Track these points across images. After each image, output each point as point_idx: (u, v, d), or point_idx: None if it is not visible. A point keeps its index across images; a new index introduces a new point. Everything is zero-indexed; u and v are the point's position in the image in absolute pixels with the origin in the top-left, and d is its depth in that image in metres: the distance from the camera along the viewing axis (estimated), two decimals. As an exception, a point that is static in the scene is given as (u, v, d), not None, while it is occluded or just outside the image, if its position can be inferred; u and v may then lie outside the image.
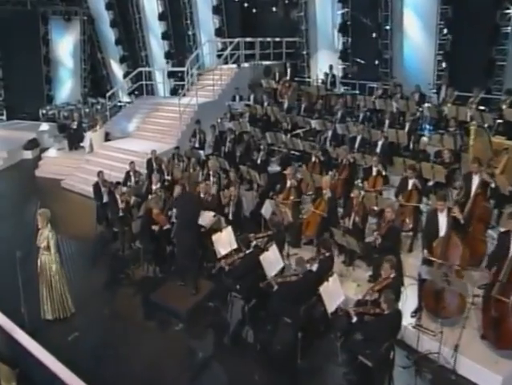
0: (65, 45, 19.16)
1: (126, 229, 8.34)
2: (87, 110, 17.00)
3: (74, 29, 19.18)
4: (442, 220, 6.16)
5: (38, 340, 5.41)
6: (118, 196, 8.46)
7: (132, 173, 9.74)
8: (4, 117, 17.58)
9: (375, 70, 14.16)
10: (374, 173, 8.41)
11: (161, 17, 18.89)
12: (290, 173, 8.52)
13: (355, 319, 5.21)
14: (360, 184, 8.20)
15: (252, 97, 13.88)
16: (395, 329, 5.12)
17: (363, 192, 7.50)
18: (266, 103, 12.90)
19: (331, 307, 5.61)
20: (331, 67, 14.06)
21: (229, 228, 7.07)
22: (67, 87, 19.54)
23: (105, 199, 9.14)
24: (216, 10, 17.82)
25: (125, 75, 19.28)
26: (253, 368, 5.63)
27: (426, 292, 5.94)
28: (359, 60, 13.94)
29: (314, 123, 11.20)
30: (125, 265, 7.95)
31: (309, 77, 16.14)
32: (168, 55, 19.36)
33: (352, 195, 7.39)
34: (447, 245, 5.85)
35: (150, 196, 8.50)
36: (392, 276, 5.64)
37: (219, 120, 12.55)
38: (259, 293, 6.44)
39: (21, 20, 17.27)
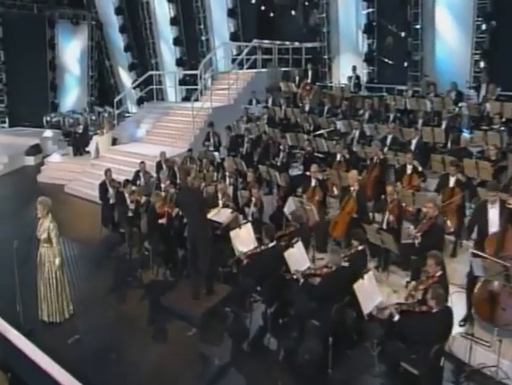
0: (72, 50, 19.57)
1: (134, 231, 8.19)
2: (93, 117, 17.17)
3: (81, 34, 19.62)
4: (493, 214, 5.83)
5: (34, 342, 5.21)
6: (127, 195, 8.32)
7: (141, 173, 9.63)
8: (6, 125, 17.84)
9: (403, 73, 14.06)
10: (409, 171, 8.15)
11: (173, 21, 19.22)
12: (314, 171, 8.31)
13: (397, 317, 4.85)
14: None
15: (270, 100, 13.87)
16: (446, 329, 4.73)
17: (398, 187, 7.22)
18: (284, 106, 12.86)
19: (366, 307, 5.29)
20: (354, 68, 14.01)
21: (249, 225, 6.84)
22: (72, 95, 19.86)
23: (112, 200, 9.01)
24: (231, 14, 18.08)
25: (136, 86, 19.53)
26: (277, 379, 5.28)
27: (478, 295, 5.49)
28: (386, 60, 13.88)
29: (340, 124, 11.07)
30: (133, 269, 7.77)
31: (331, 83, 16.11)
32: (179, 62, 19.62)
33: (387, 191, 7.10)
34: (503, 239, 5.49)
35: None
36: (437, 274, 5.28)
37: (235, 123, 12.53)
38: (282, 295, 6.17)
39: (26, 23, 17.69)
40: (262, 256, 6.10)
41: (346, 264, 5.74)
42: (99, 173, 11.23)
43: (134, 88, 18.76)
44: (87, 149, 13.72)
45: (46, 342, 5.55)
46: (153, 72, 16.86)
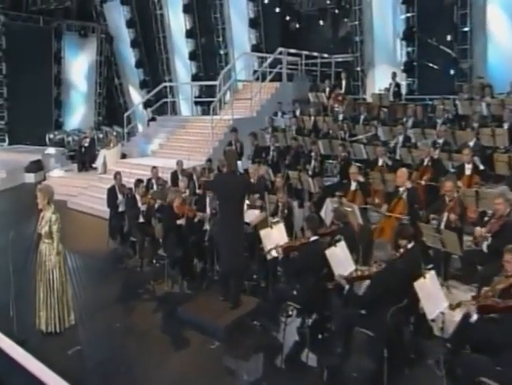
0: (79, 65, 20.10)
1: (146, 239, 7.95)
2: (100, 135, 17.34)
3: (90, 47, 20.18)
4: None
5: (28, 351, 4.90)
6: (138, 198, 8.15)
7: (154, 180, 9.49)
8: (5, 144, 18.12)
9: (449, 82, 13.88)
10: (468, 171, 7.82)
11: (189, 34, 19.67)
12: (354, 172, 8.05)
13: (475, 317, 4.40)
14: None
15: (298, 111, 13.85)
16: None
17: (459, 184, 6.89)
18: (314, 116, 12.80)
19: (431, 312, 4.86)
20: (394, 75, 13.93)
21: (281, 226, 6.54)
22: (78, 113, 20.22)
23: (121, 207, 8.84)
24: (253, 24, 18.43)
25: (145, 104, 19.78)
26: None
27: None
28: (431, 65, 13.74)
29: (380, 131, 10.89)
30: (144, 281, 7.52)
31: (364, 99, 16.03)
32: (195, 78, 19.89)
33: (445, 188, 6.75)
34: None
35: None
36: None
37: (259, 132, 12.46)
38: (323, 302, 5.78)
39: (31, 34, 18.26)
40: (301, 251, 5.74)
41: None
42: (107, 187, 11.27)
43: (145, 107, 19.03)
44: (93, 165, 13.75)
45: (41, 352, 5.23)
46: (167, 84, 17.11)
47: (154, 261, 7.94)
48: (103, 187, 11.63)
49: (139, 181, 8.42)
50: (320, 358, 5.49)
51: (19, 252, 6.86)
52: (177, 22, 19.98)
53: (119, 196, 8.93)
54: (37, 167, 14.66)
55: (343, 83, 14.98)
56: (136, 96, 21.66)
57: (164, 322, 6.41)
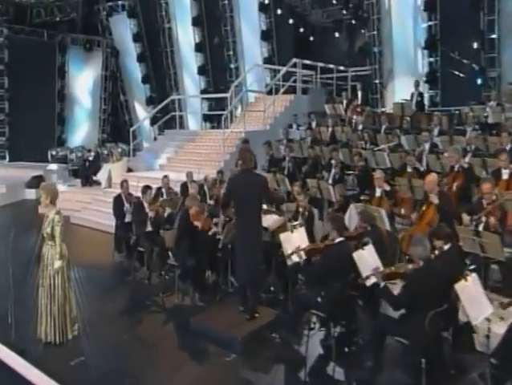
0: (83, 80, 20.32)
1: (155, 250, 7.80)
2: (104, 152, 17.37)
3: (95, 61, 20.42)
4: None
5: (28, 361, 4.74)
6: (146, 205, 8.03)
7: (164, 190, 9.40)
8: (5, 160, 18.21)
9: (476, 93, 13.76)
10: (505, 176, 7.63)
11: (198, 48, 19.86)
12: (379, 178, 7.91)
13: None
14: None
15: (314, 123, 13.81)
16: None
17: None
18: (331, 127, 12.75)
19: (475, 317, 4.62)
20: (417, 84, 13.88)
21: (302, 230, 6.37)
22: (82, 130, 20.35)
23: (128, 217, 8.73)
24: (265, 36, 18.58)
25: (153, 120, 19.85)
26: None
27: None
28: (457, 73, 13.63)
29: (404, 140, 10.78)
30: (152, 294, 7.36)
31: (382, 111, 15.96)
32: (204, 93, 20.02)
33: (483, 190, 6.55)
34: None
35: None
36: None
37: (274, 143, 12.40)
38: (349, 312, 5.56)
39: (35, 48, 18.53)
40: (325, 254, 5.54)
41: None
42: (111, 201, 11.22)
43: (152, 124, 19.09)
44: (95, 178, 13.73)
45: (42, 362, 5.06)
46: (175, 97, 17.20)
47: (163, 273, 7.77)
48: (108, 201, 11.63)
49: (147, 188, 8.29)
50: (348, 371, 5.24)
51: (19, 265, 6.82)
52: (186, 36, 20.20)
53: (126, 205, 8.81)
54: (38, 182, 14.53)
55: (359, 94, 14.96)
56: (142, 113, 21.77)
57: (175, 333, 6.23)
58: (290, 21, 18.10)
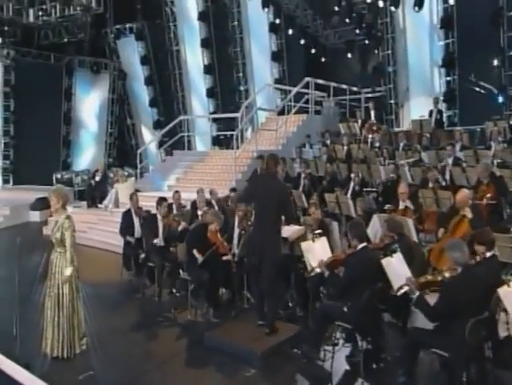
0: (90, 103, 20.47)
1: (166, 266, 7.64)
2: (111, 175, 17.35)
3: (102, 84, 20.61)
4: None
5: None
6: (159, 218, 7.91)
7: (175, 206, 9.28)
8: (10, 184, 18.23)
9: (496, 111, 13.67)
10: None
11: (207, 70, 20.01)
12: (404, 192, 7.78)
13: None
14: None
15: (329, 141, 13.77)
16: None
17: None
18: (346, 145, 12.71)
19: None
20: (436, 101, 13.86)
21: (324, 239, 6.20)
22: (88, 154, 20.38)
23: (137, 233, 8.60)
24: (276, 57, 18.76)
25: (160, 144, 19.88)
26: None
27: None
28: (477, 89, 13.48)
29: (425, 155, 10.70)
30: (163, 310, 7.18)
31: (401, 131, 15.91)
32: (211, 120, 20.06)
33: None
34: None
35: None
36: None
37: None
38: (377, 323, 5.35)
39: (42, 70, 18.70)
40: (348, 263, 5.35)
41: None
42: (119, 220, 11.12)
43: (159, 147, 19.11)
44: (100, 205, 13.64)
45: (48, 376, 4.88)
46: (184, 117, 17.27)
47: (174, 291, 7.60)
48: (115, 220, 11.58)
49: (162, 199, 8.15)
50: (378, 387, 5.01)
51: (23, 283, 6.70)
52: (194, 58, 20.39)
53: (136, 220, 8.68)
54: (43, 204, 14.53)
55: (372, 113, 14.95)
56: (149, 137, 21.69)
57: (190, 348, 6.02)
58: (302, 41, 18.28)
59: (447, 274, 4.78)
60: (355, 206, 8.50)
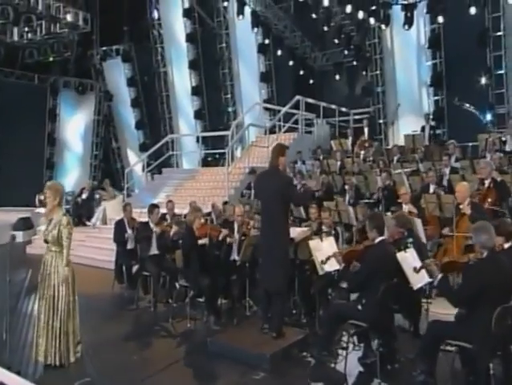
0: (75, 124, 20.21)
1: (162, 274, 7.35)
2: (96, 196, 17.00)
3: (87, 105, 20.39)
4: None
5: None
6: (152, 225, 7.64)
7: (168, 216, 9.02)
8: (-10, 207, 17.70)
9: (484, 129, 13.75)
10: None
11: (195, 91, 19.94)
12: (405, 193, 7.70)
13: None
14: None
15: (321, 156, 13.71)
16: None
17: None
18: (339, 159, 12.64)
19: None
20: (427, 118, 13.92)
21: (332, 239, 6.02)
22: (72, 176, 19.98)
23: (130, 244, 8.30)
24: (264, 78, 18.80)
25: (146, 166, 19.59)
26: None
27: None
28: (466, 107, 13.58)
29: (421, 166, 10.65)
30: (160, 320, 6.87)
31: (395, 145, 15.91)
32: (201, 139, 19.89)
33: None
34: None
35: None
36: None
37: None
38: (390, 323, 5.14)
39: (25, 90, 18.46)
40: (367, 255, 5.12)
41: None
42: (107, 236, 10.81)
43: (144, 169, 18.83)
44: (88, 223, 13.34)
45: (41, 383, 4.57)
46: (173, 136, 17.14)
47: (170, 301, 7.29)
48: (104, 236, 11.30)
49: (154, 206, 7.92)
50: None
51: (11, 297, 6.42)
52: (182, 80, 20.34)
53: (129, 230, 8.39)
54: (25, 224, 14.06)
55: (366, 130, 14.96)
56: (135, 160, 21.54)
57: (192, 354, 5.72)
58: (290, 62, 18.40)
59: (472, 256, 4.61)
60: (355, 213, 8.31)
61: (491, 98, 14.19)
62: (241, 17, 16.96)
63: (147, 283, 7.53)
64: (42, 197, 5.55)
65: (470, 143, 12.72)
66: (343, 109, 16.82)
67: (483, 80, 14.21)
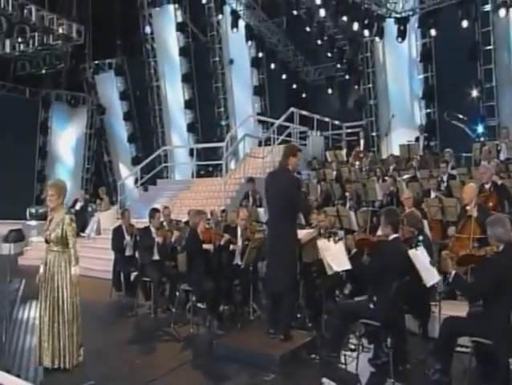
0: (67, 137, 19.97)
1: (162, 280, 7.19)
2: (89, 209, 16.76)
3: (80, 118, 20.19)
4: None
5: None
6: (153, 230, 7.48)
7: (166, 223, 8.84)
8: (-23, 220, 17.36)
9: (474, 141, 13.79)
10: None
11: (188, 105, 19.87)
12: (408, 197, 7.61)
13: None
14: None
15: (317, 167, 13.68)
16: None
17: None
18: (335, 169, 12.61)
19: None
20: (421, 128, 13.97)
21: (341, 244, 5.91)
22: (63, 189, 19.70)
23: (128, 251, 8.13)
24: (258, 91, 18.80)
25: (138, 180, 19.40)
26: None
27: None
28: (455, 123, 13.57)
29: (419, 173, 10.65)
30: (162, 325, 6.68)
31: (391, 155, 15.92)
32: (193, 152, 19.73)
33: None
34: None
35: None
36: None
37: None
38: (403, 320, 5.03)
39: (17, 103, 18.26)
40: (380, 250, 5.00)
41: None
42: (102, 246, 10.68)
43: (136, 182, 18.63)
44: (82, 234, 13.09)
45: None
46: (167, 147, 17.03)
47: (170, 307, 7.13)
48: (98, 247, 11.15)
49: (155, 211, 7.77)
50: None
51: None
52: (175, 93, 20.25)
53: (127, 238, 8.22)
54: (17, 236, 13.74)
55: (362, 142, 14.97)
56: (127, 174, 21.33)
57: (198, 357, 5.54)
58: (284, 76, 18.42)
59: (488, 248, 4.52)
60: (357, 218, 8.23)
61: (482, 110, 14.26)
62: (235, 30, 16.99)
63: (147, 289, 7.34)
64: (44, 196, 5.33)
65: (463, 154, 12.79)
66: (336, 122, 16.86)
67: (474, 93, 14.30)
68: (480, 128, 14.19)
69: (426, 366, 4.85)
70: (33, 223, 15.36)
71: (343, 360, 5.21)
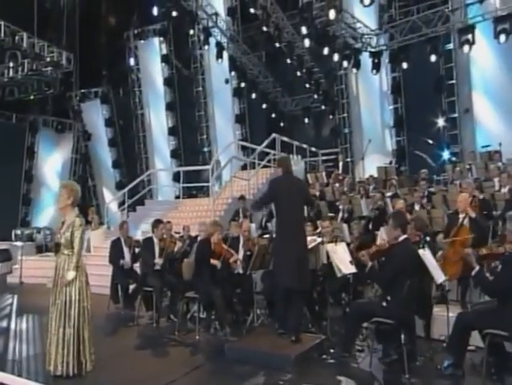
0: (52, 162, 19.48)
1: (164, 290, 6.86)
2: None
3: (66, 144, 19.76)
4: None
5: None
6: (156, 241, 7.18)
7: (166, 236, 8.50)
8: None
9: (440, 167, 13.98)
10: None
11: (172, 132, 19.71)
12: (401, 208, 7.52)
13: None
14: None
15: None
16: None
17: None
18: (318, 191, 12.50)
19: None
20: (394, 153, 14.08)
21: (344, 244, 5.75)
22: (48, 213, 18.98)
23: (126, 264, 7.76)
24: (239, 120, 18.80)
25: (121, 204, 18.92)
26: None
27: None
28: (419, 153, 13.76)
29: (399, 192, 10.63)
30: (166, 333, 6.33)
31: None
32: (177, 177, 19.45)
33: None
34: None
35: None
36: None
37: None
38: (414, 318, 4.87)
39: (3, 128, 17.73)
40: (393, 253, 4.83)
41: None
42: (93, 263, 10.22)
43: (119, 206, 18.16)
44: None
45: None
46: (153, 170, 16.69)
47: (172, 317, 6.79)
48: (91, 263, 10.61)
49: (158, 222, 7.48)
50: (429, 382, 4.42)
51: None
52: (159, 121, 20.12)
53: (125, 249, 7.86)
54: (4, 256, 13.21)
55: (340, 164, 15.01)
56: (110, 198, 20.86)
57: (210, 361, 5.21)
58: (264, 106, 18.47)
59: (508, 247, 4.41)
60: (351, 230, 8.08)
61: (447, 138, 14.59)
62: (219, 60, 17.01)
63: (148, 298, 6.98)
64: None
65: (434, 176, 12.95)
66: (313, 149, 16.92)
67: (440, 122, 14.77)
68: (446, 154, 14.52)
69: (435, 363, 4.69)
70: (19, 244, 14.70)
71: (354, 360, 4.97)
